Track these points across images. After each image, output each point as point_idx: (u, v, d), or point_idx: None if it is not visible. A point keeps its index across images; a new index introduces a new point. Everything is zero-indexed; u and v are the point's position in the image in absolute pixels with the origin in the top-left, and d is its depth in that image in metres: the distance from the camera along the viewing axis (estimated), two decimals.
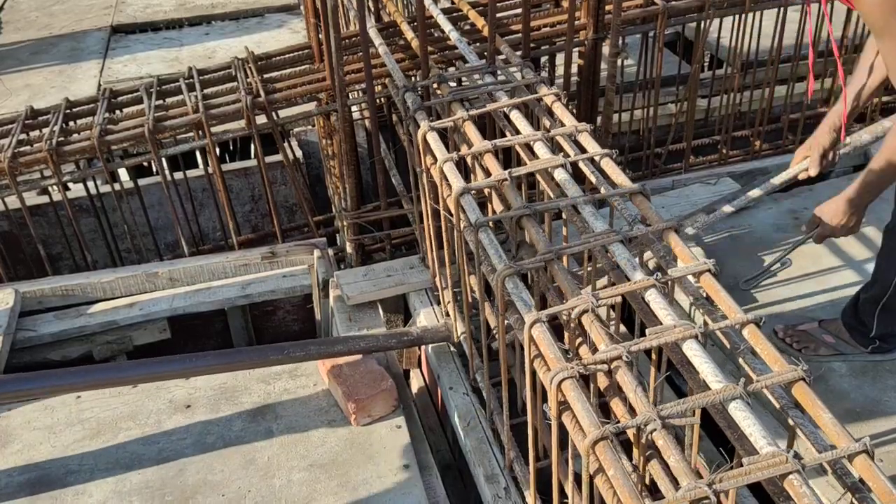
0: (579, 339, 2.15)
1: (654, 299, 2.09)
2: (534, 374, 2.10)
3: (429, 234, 3.25)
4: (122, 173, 5.20)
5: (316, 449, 2.98)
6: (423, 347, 3.90)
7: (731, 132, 5.06)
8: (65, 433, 3.06)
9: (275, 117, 4.17)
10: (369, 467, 2.89)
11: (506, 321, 2.42)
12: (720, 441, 2.72)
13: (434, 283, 3.66)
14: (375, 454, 2.94)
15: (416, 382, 4.02)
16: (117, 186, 4.34)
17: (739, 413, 1.80)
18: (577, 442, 1.94)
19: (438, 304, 3.68)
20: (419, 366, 4.03)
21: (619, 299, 2.12)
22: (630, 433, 1.83)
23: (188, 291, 3.99)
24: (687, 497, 1.61)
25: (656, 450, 1.81)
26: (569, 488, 2.29)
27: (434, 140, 2.81)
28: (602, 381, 1.97)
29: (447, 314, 3.49)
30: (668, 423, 1.79)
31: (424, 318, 3.60)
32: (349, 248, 4.21)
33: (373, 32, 3.86)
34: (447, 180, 2.62)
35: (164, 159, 4.23)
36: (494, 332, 2.92)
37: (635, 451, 1.85)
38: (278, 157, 5.07)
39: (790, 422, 1.87)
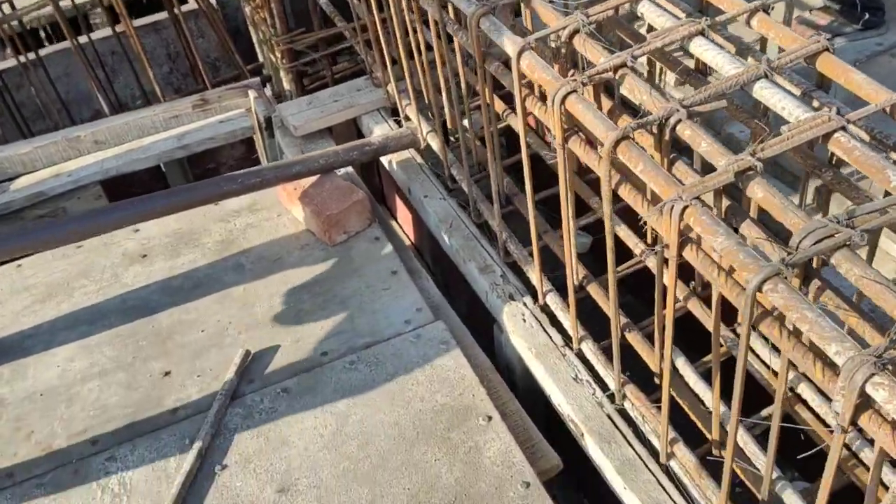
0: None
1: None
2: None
3: (378, 30, 2.95)
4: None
5: (293, 273, 2.76)
6: (383, 174, 3.66)
7: None
8: (10, 301, 2.76)
9: None
10: (354, 280, 2.70)
11: (488, 70, 2.18)
12: None
13: (388, 95, 3.39)
14: (359, 267, 2.74)
15: None
16: (22, 59, 3.86)
17: (766, 91, 1.63)
18: (592, 161, 1.76)
19: (396, 118, 3.42)
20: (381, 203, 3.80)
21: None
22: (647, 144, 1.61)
23: (118, 153, 3.62)
24: (731, 169, 1.45)
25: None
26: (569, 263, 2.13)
27: None
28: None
29: (407, 118, 3.23)
30: (693, 112, 1.61)
31: (363, 138, 3.33)
32: (286, 83, 3.87)
33: None
34: None
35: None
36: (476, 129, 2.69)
37: (657, 157, 1.67)
38: (191, 6, 4.61)
39: (815, 103, 1.72)
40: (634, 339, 2.22)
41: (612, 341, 2.06)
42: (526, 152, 2.08)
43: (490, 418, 2.20)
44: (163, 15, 4.50)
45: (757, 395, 2.07)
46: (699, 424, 2.02)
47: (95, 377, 2.46)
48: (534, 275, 2.51)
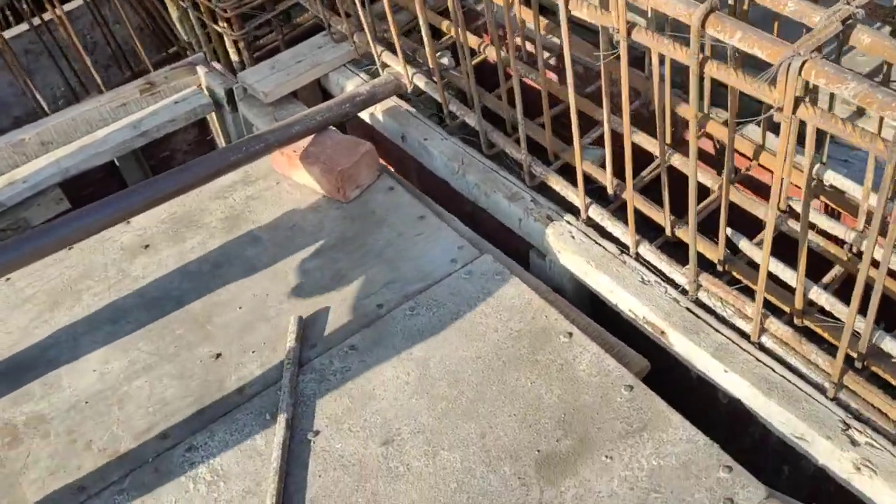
0: None
1: None
2: None
3: None
4: None
5: (316, 235, 2.65)
6: (354, 131, 3.56)
7: None
8: (13, 317, 2.52)
9: None
10: (384, 231, 2.62)
11: None
12: None
13: (356, 46, 3.27)
14: (383, 218, 2.66)
15: None
16: None
17: None
18: (665, 48, 1.75)
19: (368, 70, 3.32)
20: None
21: None
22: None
23: (73, 151, 3.35)
24: (835, 19, 1.48)
25: None
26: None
27: None
28: None
29: (384, 66, 3.14)
30: None
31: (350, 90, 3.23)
32: (233, 55, 3.66)
33: None
34: None
35: None
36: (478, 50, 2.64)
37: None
38: None
39: None
40: (685, 233, 2.27)
41: (685, 232, 2.09)
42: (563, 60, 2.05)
43: (570, 334, 2.20)
44: (75, 3, 4.16)
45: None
46: (773, 300, 2.09)
47: (141, 374, 2.29)
48: (569, 192, 2.52)
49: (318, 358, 2.25)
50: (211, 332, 2.39)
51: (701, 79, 1.72)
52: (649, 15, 1.83)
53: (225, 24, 3.54)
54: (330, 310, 2.39)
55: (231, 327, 2.39)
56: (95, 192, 3.68)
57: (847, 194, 2.31)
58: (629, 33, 1.81)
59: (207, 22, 3.67)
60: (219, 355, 2.31)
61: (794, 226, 2.12)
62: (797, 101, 1.52)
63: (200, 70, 3.57)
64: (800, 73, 1.46)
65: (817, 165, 2.29)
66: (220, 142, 3.82)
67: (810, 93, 1.66)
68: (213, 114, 3.63)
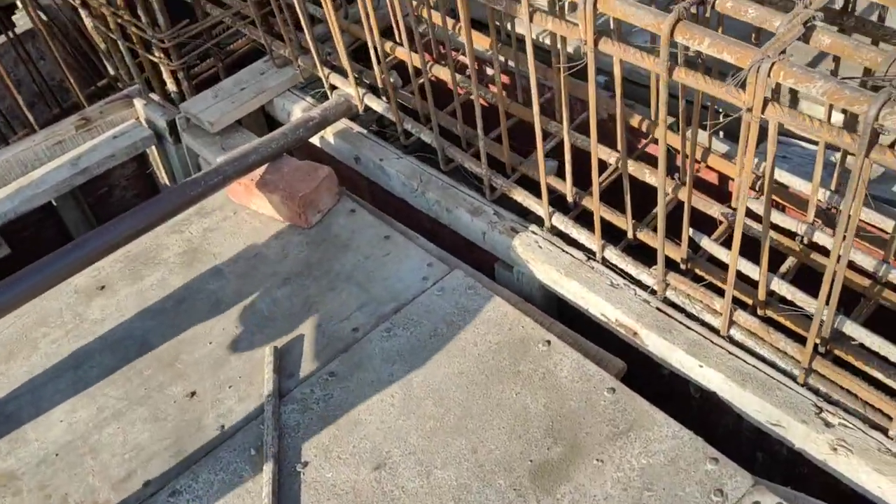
0: None
1: None
2: None
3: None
4: None
5: (281, 263, 2.61)
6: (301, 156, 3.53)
7: None
8: None
9: None
10: (350, 254, 2.60)
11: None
12: None
13: (301, 70, 3.25)
14: (348, 241, 2.65)
15: None
16: None
17: None
18: (634, 57, 1.81)
19: (315, 95, 3.30)
20: None
21: None
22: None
23: (9, 193, 3.21)
24: (796, 22, 1.56)
25: None
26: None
27: None
28: None
29: (332, 88, 3.13)
30: None
31: (302, 114, 3.21)
32: (171, 84, 3.59)
33: None
34: None
35: None
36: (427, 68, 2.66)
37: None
38: (22, 27, 4.15)
39: None
40: (647, 236, 2.34)
41: (647, 235, 2.15)
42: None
43: (549, 342, 2.23)
44: None
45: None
46: (737, 294, 2.17)
47: (111, 420, 2.21)
48: (532, 202, 2.56)
49: (298, 387, 2.22)
50: (181, 370, 2.32)
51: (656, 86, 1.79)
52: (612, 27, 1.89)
53: (161, 55, 3.46)
54: (304, 338, 2.36)
55: (203, 364, 2.33)
56: (33, 236, 3.56)
57: (791, 188, 2.43)
58: (596, 44, 1.86)
59: (140, 52, 3.59)
60: (193, 393, 2.25)
61: (748, 222, 2.22)
62: (765, 102, 1.59)
63: (138, 102, 3.49)
64: (769, 75, 1.53)
65: (763, 163, 2.40)
66: (161, 174, 3.72)
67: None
68: (154, 146, 3.54)
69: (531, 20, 1.95)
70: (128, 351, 2.40)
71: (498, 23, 2.86)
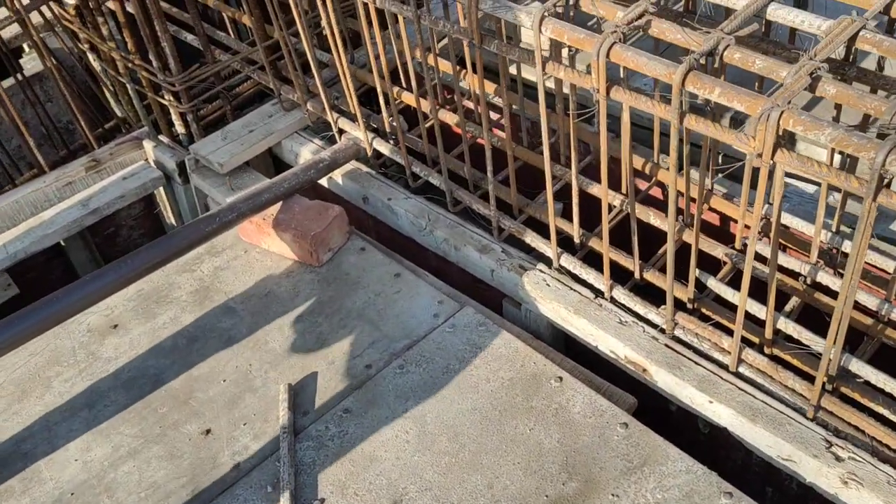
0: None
1: None
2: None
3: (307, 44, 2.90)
4: None
5: (293, 301, 2.65)
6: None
7: None
8: None
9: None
10: (360, 292, 2.64)
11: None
12: None
13: (309, 114, 3.33)
14: (359, 279, 2.69)
15: None
16: None
17: (781, 11, 1.86)
18: (645, 105, 1.88)
19: (322, 137, 3.37)
20: None
21: None
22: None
23: (19, 234, 3.25)
24: (803, 73, 1.64)
25: None
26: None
27: None
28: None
29: (340, 132, 3.20)
30: (739, 36, 1.80)
31: (310, 157, 3.27)
32: (180, 126, 3.65)
33: None
34: None
35: None
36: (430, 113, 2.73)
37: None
38: (30, 70, 4.22)
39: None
40: (654, 276, 2.40)
41: (653, 275, 2.21)
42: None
43: (561, 378, 2.27)
44: (5, 83, 4.05)
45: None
46: (744, 333, 2.22)
47: (127, 458, 2.22)
48: (540, 243, 2.61)
49: (314, 424, 2.24)
50: (196, 408, 2.34)
51: (664, 133, 1.86)
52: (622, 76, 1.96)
53: (171, 97, 3.53)
54: (318, 375, 2.39)
55: (217, 401, 2.35)
56: (38, 277, 3.58)
57: (791, 229, 2.50)
58: (608, 92, 1.93)
59: (150, 95, 3.66)
60: (208, 431, 2.27)
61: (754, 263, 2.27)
62: (775, 147, 1.66)
63: (147, 144, 3.55)
64: (779, 123, 1.60)
65: (766, 206, 2.47)
66: (168, 215, 3.77)
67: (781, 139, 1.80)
68: (162, 187, 3.59)
69: (543, 69, 2.03)
70: (142, 389, 2.42)
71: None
